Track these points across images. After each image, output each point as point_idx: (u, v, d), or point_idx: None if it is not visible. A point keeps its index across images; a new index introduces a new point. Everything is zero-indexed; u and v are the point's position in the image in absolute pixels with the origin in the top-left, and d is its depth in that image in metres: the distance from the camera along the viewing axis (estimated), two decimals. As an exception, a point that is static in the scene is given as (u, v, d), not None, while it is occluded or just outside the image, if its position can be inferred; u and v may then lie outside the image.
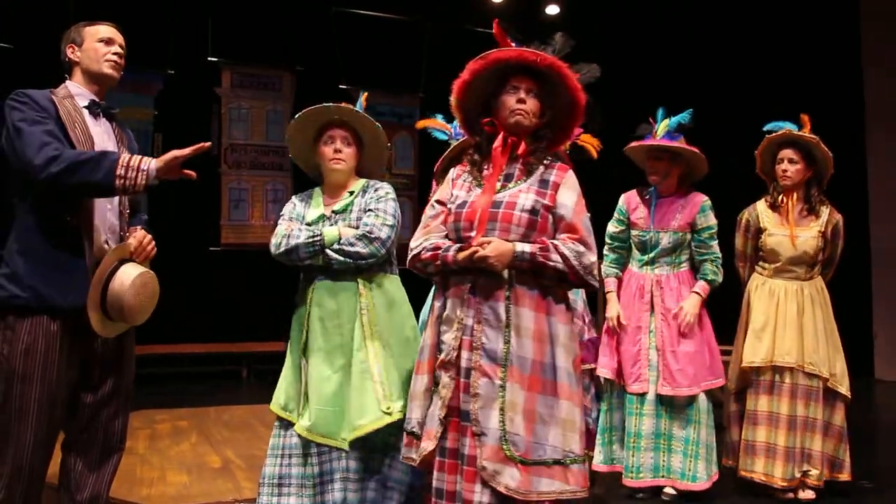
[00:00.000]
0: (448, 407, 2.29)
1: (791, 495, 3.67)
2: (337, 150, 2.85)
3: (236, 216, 8.20)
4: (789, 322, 3.72)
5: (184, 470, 4.12)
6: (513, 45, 2.42)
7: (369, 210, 2.82)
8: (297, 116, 2.88)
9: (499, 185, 2.38)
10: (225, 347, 7.88)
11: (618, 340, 3.71)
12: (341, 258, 2.72)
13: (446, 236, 2.40)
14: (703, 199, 3.75)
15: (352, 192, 2.90)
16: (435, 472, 2.31)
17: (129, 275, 2.41)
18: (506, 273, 2.28)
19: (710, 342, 3.72)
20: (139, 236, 2.54)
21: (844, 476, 3.73)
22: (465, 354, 2.28)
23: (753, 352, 3.77)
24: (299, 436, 2.75)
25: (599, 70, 2.52)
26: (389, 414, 2.67)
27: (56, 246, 2.36)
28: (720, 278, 3.73)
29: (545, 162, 2.43)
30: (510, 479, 2.18)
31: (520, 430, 2.21)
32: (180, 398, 6.51)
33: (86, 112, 2.50)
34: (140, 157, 2.35)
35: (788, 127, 3.79)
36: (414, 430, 2.39)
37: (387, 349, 2.78)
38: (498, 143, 2.39)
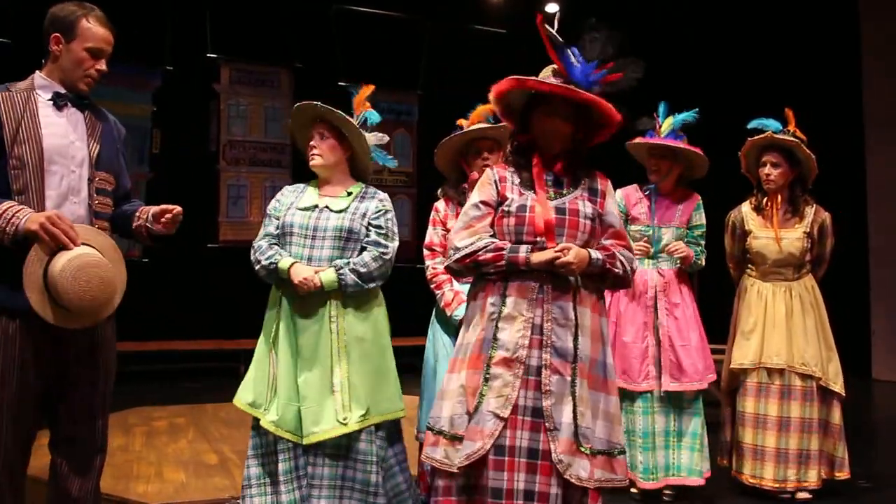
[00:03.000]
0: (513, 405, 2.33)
1: (787, 496, 3.66)
2: (311, 147, 2.91)
3: (234, 213, 8.20)
4: (777, 324, 3.72)
5: (181, 467, 4.11)
6: (553, 48, 2.43)
7: (377, 227, 2.84)
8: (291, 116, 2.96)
9: (551, 191, 2.46)
10: (223, 344, 7.86)
11: (614, 339, 3.69)
12: (356, 280, 2.74)
13: (492, 237, 2.45)
14: (698, 198, 3.81)
15: (349, 193, 2.90)
16: (491, 472, 2.30)
17: (65, 256, 2.20)
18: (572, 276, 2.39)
19: (704, 337, 3.75)
20: (164, 207, 2.45)
21: (843, 475, 3.72)
22: (534, 353, 2.34)
23: (742, 353, 3.78)
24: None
25: (641, 67, 2.48)
26: (345, 424, 2.68)
27: (2, 247, 2.23)
28: (702, 263, 3.76)
29: (589, 170, 2.55)
30: (581, 470, 2.30)
31: (589, 423, 2.34)
32: (178, 395, 6.51)
33: (48, 105, 2.35)
34: (19, 208, 2.20)
35: (770, 126, 3.77)
36: (442, 428, 2.40)
37: (359, 356, 2.77)
38: (536, 160, 2.49)
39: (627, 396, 3.62)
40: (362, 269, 2.76)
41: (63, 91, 2.39)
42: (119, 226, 2.56)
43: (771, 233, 3.76)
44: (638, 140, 3.74)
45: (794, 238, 3.75)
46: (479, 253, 2.41)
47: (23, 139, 2.27)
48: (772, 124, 3.79)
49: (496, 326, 2.38)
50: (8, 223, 2.18)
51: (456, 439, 2.36)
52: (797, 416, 3.65)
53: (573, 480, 2.28)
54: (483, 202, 2.48)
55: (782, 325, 3.71)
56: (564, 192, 2.47)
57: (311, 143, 2.90)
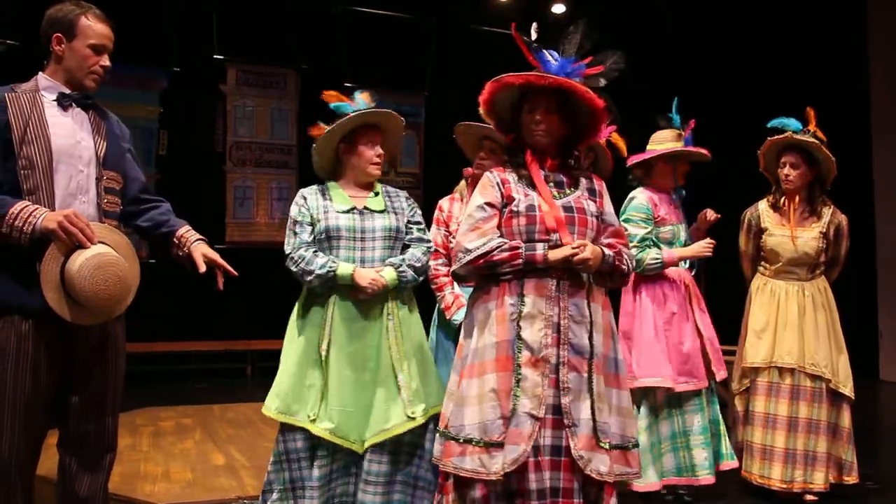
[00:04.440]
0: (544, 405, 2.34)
1: (794, 497, 3.65)
2: (379, 155, 2.91)
3: (241, 214, 8.22)
4: (790, 323, 3.71)
5: (187, 467, 4.13)
6: (529, 51, 2.47)
7: (417, 223, 2.94)
8: (350, 116, 2.83)
9: (554, 191, 2.48)
10: (229, 345, 7.90)
11: (667, 342, 3.56)
12: (414, 276, 2.83)
13: (500, 237, 2.45)
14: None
15: (377, 193, 2.94)
16: (531, 474, 2.30)
17: (83, 255, 2.22)
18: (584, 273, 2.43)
19: None
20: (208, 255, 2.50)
21: (852, 479, 3.69)
22: (553, 350, 2.35)
23: (754, 352, 3.77)
24: (306, 437, 2.73)
25: (623, 59, 2.49)
26: (413, 419, 2.73)
27: (12, 247, 2.23)
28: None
29: (585, 172, 2.59)
30: (601, 465, 2.33)
31: (607, 418, 2.38)
32: (185, 395, 6.54)
33: (53, 105, 2.37)
34: (35, 207, 2.23)
35: (791, 126, 3.75)
36: (471, 436, 2.34)
37: (413, 351, 2.83)
38: (529, 158, 2.51)
39: (680, 398, 3.52)
40: (417, 265, 2.85)
41: (68, 91, 2.40)
42: (153, 238, 2.59)
43: (787, 231, 3.75)
44: (686, 149, 3.70)
45: (809, 237, 3.74)
46: (494, 253, 2.39)
47: (31, 140, 2.28)
48: (792, 124, 3.75)
49: (518, 326, 2.37)
50: (25, 222, 2.20)
51: (492, 446, 2.31)
52: (804, 416, 3.63)
53: (594, 475, 2.32)
54: (488, 204, 2.47)
55: (794, 325, 3.70)
56: (567, 191, 2.50)
57: (378, 151, 2.90)
